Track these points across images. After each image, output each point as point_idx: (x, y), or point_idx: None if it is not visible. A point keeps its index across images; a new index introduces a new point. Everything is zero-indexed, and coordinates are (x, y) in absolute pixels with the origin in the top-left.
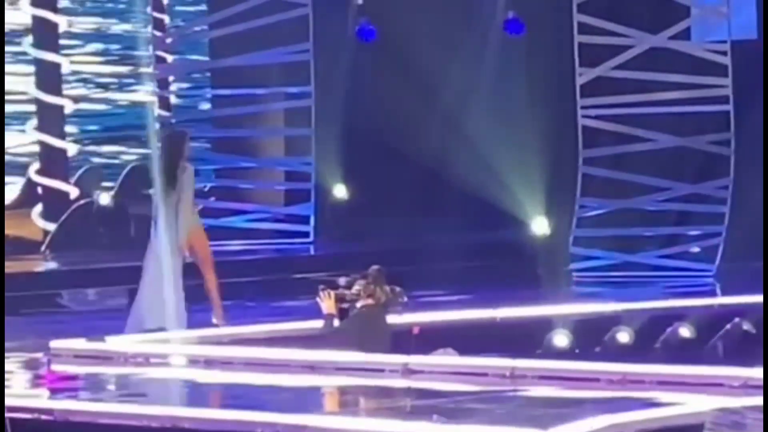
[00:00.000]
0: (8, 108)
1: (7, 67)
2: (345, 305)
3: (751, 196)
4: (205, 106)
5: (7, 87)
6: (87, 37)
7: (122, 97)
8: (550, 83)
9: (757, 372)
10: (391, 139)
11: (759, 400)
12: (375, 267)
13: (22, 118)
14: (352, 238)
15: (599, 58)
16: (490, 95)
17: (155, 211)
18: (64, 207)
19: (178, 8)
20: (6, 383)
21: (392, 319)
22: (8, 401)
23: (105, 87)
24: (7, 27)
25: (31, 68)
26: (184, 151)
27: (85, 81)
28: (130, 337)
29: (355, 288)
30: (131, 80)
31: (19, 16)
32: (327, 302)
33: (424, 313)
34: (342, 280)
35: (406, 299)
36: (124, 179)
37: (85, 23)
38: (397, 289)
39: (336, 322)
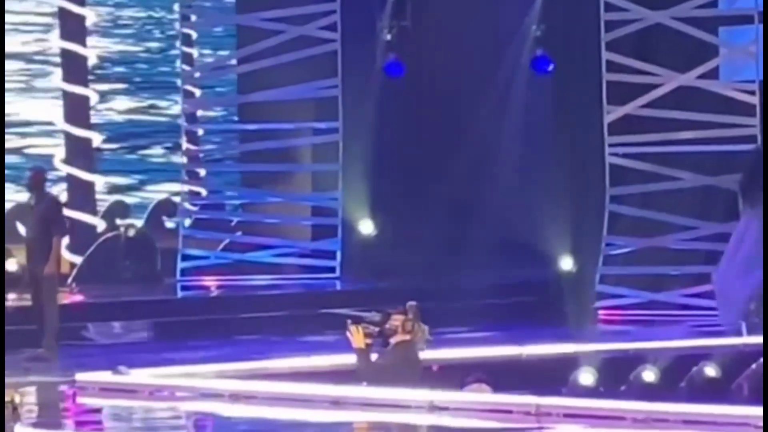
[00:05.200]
0: (36, 141)
1: (36, 100)
2: (370, 340)
3: None
4: (233, 141)
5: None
6: (115, 67)
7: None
8: (577, 121)
9: None
10: (418, 175)
11: None
12: (413, 303)
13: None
14: (378, 274)
15: (627, 96)
16: (517, 132)
17: None
18: (91, 240)
19: (207, 43)
20: (32, 414)
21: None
22: None
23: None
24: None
25: (59, 101)
26: None
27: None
28: (154, 370)
29: (393, 323)
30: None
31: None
32: (356, 336)
33: (450, 349)
34: (375, 315)
35: (431, 337)
36: (151, 213)
37: (115, 56)
38: (425, 326)
39: (373, 356)
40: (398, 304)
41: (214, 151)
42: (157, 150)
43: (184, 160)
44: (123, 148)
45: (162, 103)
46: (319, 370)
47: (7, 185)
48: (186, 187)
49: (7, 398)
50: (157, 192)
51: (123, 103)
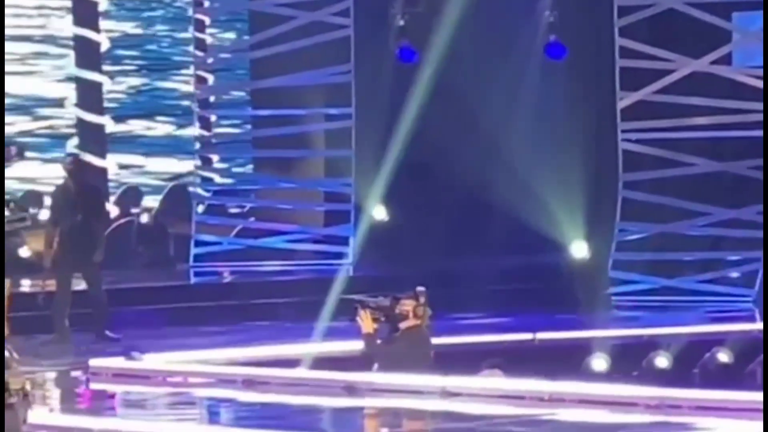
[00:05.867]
0: (50, 130)
1: (49, 84)
2: (377, 325)
3: None
4: (246, 126)
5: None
6: (130, 55)
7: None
8: (590, 107)
9: None
10: (431, 160)
11: None
12: (422, 288)
13: (63, 137)
14: (391, 260)
15: (640, 82)
16: (530, 118)
17: None
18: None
19: (220, 28)
20: (45, 401)
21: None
22: (48, 419)
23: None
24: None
25: (72, 86)
26: None
27: (126, 97)
28: (167, 356)
29: (404, 308)
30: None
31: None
32: (366, 322)
33: (463, 336)
34: (383, 300)
35: (431, 322)
36: (165, 199)
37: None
38: (429, 311)
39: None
40: (410, 290)
41: (227, 136)
42: (169, 131)
43: (197, 145)
44: (135, 133)
45: (174, 86)
46: (332, 356)
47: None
48: (199, 173)
49: (17, 385)
50: (168, 174)
51: (135, 87)
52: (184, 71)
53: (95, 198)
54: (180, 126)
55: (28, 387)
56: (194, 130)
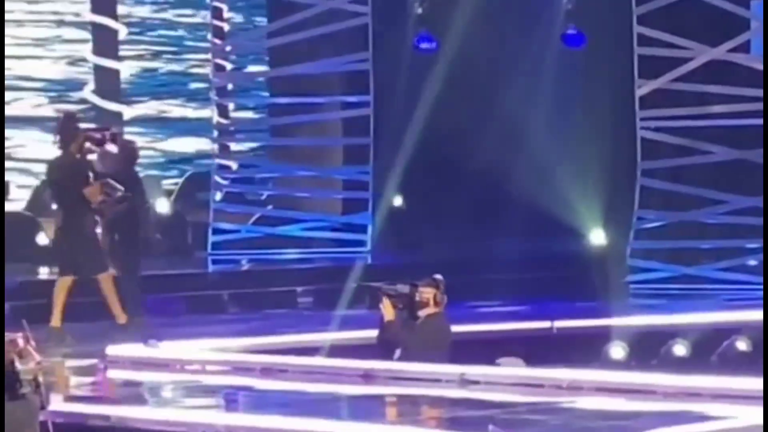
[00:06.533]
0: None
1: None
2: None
3: None
4: (263, 114)
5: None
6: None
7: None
8: (609, 95)
9: None
10: (449, 148)
11: None
12: (440, 276)
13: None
14: (410, 248)
15: (659, 70)
16: (548, 106)
17: None
18: None
19: (238, 16)
20: (66, 389)
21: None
22: (65, 407)
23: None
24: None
25: (90, 75)
26: None
27: (143, 82)
28: (185, 344)
29: (425, 295)
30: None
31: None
32: (388, 309)
33: (481, 324)
34: (403, 287)
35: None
36: (182, 186)
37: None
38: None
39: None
40: (427, 278)
41: (245, 124)
42: (188, 116)
43: (215, 133)
44: (153, 118)
45: (192, 75)
46: (350, 344)
47: None
48: (216, 161)
49: (29, 375)
50: (183, 156)
51: (153, 74)
52: (201, 56)
53: (138, 186)
54: (196, 110)
55: (40, 378)
56: (208, 113)
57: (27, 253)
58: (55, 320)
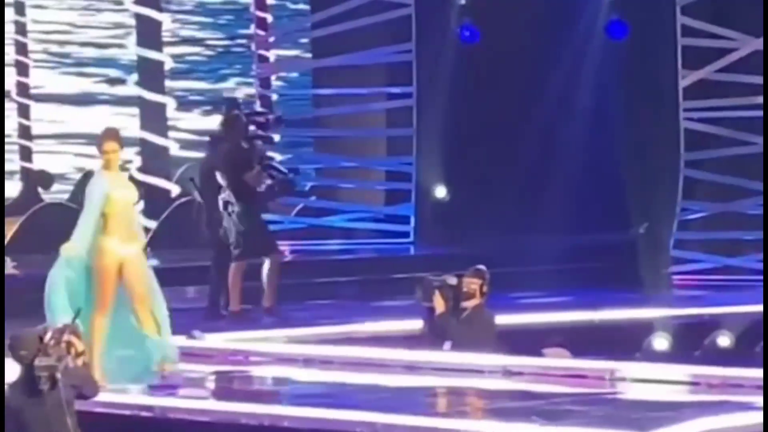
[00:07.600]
0: (113, 110)
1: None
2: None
3: None
4: (307, 105)
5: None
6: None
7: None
8: (652, 86)
9: None
10: (492, 139)
11: None
12: (483, 267)
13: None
14: (452, 239)
15: (702, 60)
16: (591, 97)
17: None
18: (165, 205)
19: (281, 7)
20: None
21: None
22: (108, 397)
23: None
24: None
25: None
26: None
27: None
28: (228, 335)
29: (471, 286)
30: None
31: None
32: (438, 301)
33: (524, 314)
34: (451, 278)
35: None
36: None
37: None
38: None
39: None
40: (470, 269)
41: (288, 116)
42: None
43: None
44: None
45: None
46: (392, 335)
47: None
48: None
49: (45, 372)
50: None
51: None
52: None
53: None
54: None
55: (58, 375)
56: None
57: None
58: (234, 304)
